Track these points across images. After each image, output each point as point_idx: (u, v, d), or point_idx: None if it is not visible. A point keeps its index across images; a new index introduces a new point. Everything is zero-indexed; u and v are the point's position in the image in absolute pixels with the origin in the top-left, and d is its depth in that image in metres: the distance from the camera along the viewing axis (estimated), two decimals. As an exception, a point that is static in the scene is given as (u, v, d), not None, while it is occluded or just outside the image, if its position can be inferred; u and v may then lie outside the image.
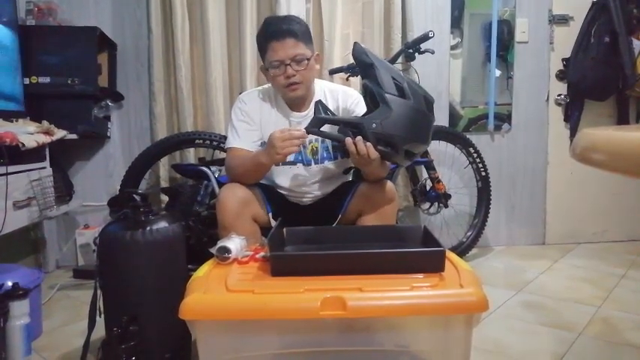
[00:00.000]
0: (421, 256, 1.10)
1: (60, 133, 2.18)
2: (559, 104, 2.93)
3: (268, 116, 1.69)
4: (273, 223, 1.63)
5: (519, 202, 2.97)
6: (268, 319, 0.95)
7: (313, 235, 1.36)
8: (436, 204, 2.57)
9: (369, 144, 1.39)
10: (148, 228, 1.31)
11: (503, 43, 2.86)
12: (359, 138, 1.40)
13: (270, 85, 1.74)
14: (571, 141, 2.94)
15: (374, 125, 1.39)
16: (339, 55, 2.66)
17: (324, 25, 2.59)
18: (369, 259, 1.07)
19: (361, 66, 1.49)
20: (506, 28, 2.87)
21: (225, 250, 1.20)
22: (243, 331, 0.99)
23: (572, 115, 2.91)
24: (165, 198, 2.53)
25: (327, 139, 1.66)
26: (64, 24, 2.48)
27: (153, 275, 1.32)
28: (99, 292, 1.36)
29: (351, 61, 2.63)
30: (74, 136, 2.33)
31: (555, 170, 2.96)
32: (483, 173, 2.67)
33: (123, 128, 2.68)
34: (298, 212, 1.73)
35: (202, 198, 1.96)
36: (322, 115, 1.49)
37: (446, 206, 2.55)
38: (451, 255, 1.14)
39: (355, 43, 1.51)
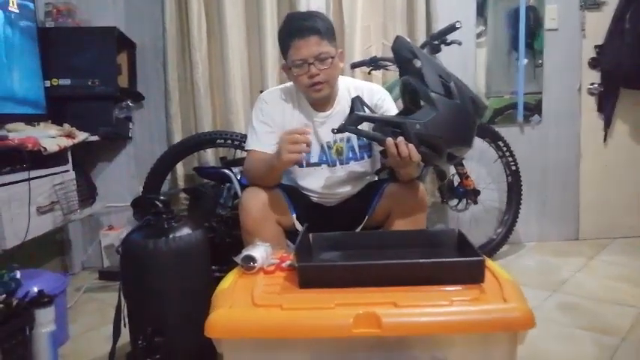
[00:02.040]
0: (459, 266, 1.03)
1: (82, 136, 2.17)
2: (592, 94, 2.80)
3: (290, 117, 1.64)
4: (298, 225, 1.58)
5: (551, 197, 2.86)
6: (298, 338, 0.90)
7: (341, 240, 1.30)
8: (464, 200, 2.48)
9: (411, 146, 1.32)
10: (171, 236, 1.28)
11: (529, 30, 2.73)
12: (400, 139, 1.32)
13: (290, 83, 1.68)
14: (605, 132, 2.85)
15: (417, 126, 1.32)
16: (360, 48, 2.58)
17: (344, 18, 2.51)
18: (403, 269, 1.01)
19: (402, 61, 1.42)
20: (533, 15, 2.74)
21: (251, 259, 1.15)
22: (272, 348, 0.94)
23: (607, 104, 2.78)
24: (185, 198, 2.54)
25: (353, 139, 1.59)
26: (82, 24, 2.47)
27: (177, 285, 1.28)
28: (123, 301, 1.33)
29: (374, 54, 2.60)
30: (96, 138, 2.32)
31: (588, 163, 2.84)
32: (514, 167, 2.57)
33: (144, 128, 2.66)
34: (323, 214, 1.68)
35: (225, 200, 1.92)
36: (360, 112, 1.41)
37: (475, 203, 2.46)
38: (490, 263, 1.07)
39: (398, 36, 1.44)
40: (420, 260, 1.03)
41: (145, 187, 2.26)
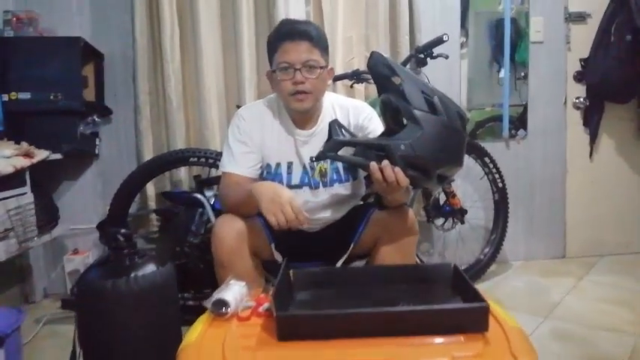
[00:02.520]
0: (460, 313, 0.91)
1: (42, 154, 2.00)
2: (577, 108, 2.74)
3: (270, 134, 1.51)
4: (277, 256, 1.45)
5: (538, 214, 2.78)
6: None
7: (325, 277, 1.18)
8: (451, 219, 2.39)
9: (397, 169, 1.21)
10: (133, 274, 1.13)
11: (511, 42, 2.66)
12: (385, 162, 1.21)
13: (272, 97, 1.55)
14: (591, 147, 2.80)
15: (402, 147, 1.20)
16: (342, 60, 2.47)
17: (325, 28, 2.40)
18: (396, 318, 0.89)
19: (380, 78, 1.31)
20: (514, 27, 2.68)
21: (223, 304, 1.02)
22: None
23: (592, 118, 2.73)
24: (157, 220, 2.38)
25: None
26: (45, 34, 2.30)
27: (140, 331, 1.14)
28: (78, 349, 1.18)
29: (356, 67, 2.50)
30: (58, 156, 2.15)
31: (575, 178, 2.78)
32: (500, 185, 2.49)
33: (112, 145, 2.49)
34: (305, 241, 1.55)
35: (197, 227, 1.78)
36: (340, 136, 1.29)
37: (462, 222, 2.37)
38: (493, 307, 0.96)
39: (373, 52, 1.32)
40: (416, 308, 0.91)
41: (110, 208, 2.09)
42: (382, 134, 1.38)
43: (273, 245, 1.44)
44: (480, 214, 2.63)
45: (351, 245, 1.45)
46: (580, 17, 2.67)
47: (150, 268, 1.17)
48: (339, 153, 1.29)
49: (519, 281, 2.48)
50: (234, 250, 1.33)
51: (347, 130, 1.34)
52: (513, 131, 2.72)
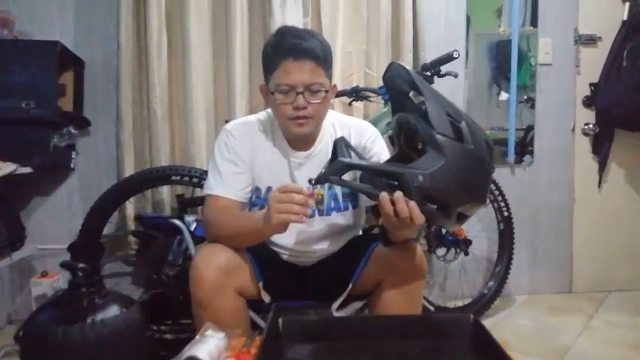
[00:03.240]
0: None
1: (7, 168, 1.82)
2: (586, 134, 2.61)
3: (262, 155, 1.34)
4: (265, 296, 1.26)
5: (543, 245, 2.63)
6: None
7: (321, 327, 0.99)
8: (453, 250, 2.22)
9: (412, 203, 1.03)
10: (90, 320, 0.94)
11: (510, 63, 2.53)
12: (399, 194, 1.03)
13: (265, 112, 1.38)
14: (600, 175, 2.65)
15: (420, 177, 1.02)
16: (340, 76, 2.32)
17: (324, 43, 2.25)
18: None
19: (397, 94, 1.14)
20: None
21: (197, 363, 0.83)
22: None
23: (602, 146, 2.59)
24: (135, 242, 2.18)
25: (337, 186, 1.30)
26: (22, 37, 2.12)
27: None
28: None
29: (355, 83, 2.35)
30: (28, 170, 1.95)
31: (583, 208, 2.63)
32: (506, 213, 2.33)
33: (90, 159, 2.30)
34: (298, 277, 1.37)
35: (174, 257, 1.59)
36: (346, 158, 1.11)
37: (466, 254, 2.20)
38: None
39: (392, 63, 1.16)
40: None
41: (82, 229, 1.90)
42: (392, 160, 1.20)
43: (261, 284, 1.25)
44: (484, 244, 2.46)
45: (350, 285, 1.27)
46: (590, 40, 2.55)
47: (112, 311, 0.98)
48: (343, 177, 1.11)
49: (526, 319, 2.31)
50: (215, 289, 1.15)
51: (355, 151, 1.17)
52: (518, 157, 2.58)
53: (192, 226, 1.65)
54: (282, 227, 1.08)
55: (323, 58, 1.24)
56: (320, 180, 1.09)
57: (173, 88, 2.23)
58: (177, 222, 1.64)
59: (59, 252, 2.24)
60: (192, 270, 1.17)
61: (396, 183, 1.04)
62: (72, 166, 2.25)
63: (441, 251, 2.22)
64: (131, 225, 2.17)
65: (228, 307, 1.16)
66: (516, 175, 2.59)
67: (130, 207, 2.16)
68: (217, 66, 2.26)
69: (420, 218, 1.03)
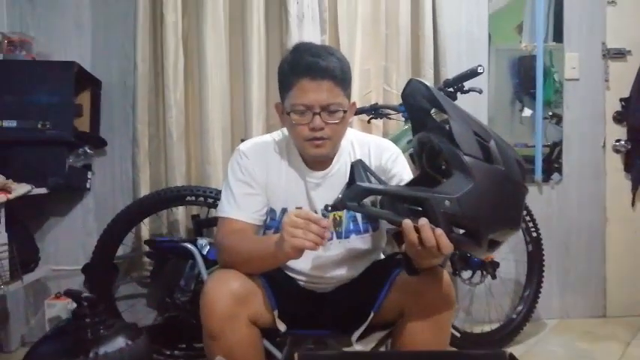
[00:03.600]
0: None
1: (21, 189, 1.80)
2: (617, 151, 2.50)
3: (277, 175, 1.28)
4: (280, 325, 1.19)
5: (574, 267, 2.50)
6: None
7: (340, 364, 0.91)
8: (480, 273, 2.11)
9: (439, 231, 0.94)
10: (93, 353, 0.88)
11: (533, 79, 2.48)
12: (424, 221, 0.95)
13: (281, 131, 1.33)
14: (633, 194, 2.53)
15: (447, 203, 0.94)
16: (359, 93, 2.27)
17: (341, 60, 2.20)
18: None
19: (417, 111, 1.08)
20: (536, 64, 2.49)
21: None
22: None
23: (634, 163, 2.48)
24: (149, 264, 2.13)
25: None
26: (40, 59, 2.13)
27: None
28: None
29: (374, 101, 2.29)
30: (43, 190, 1.94)
31: (615, 228, 2.50)
32: (534, 234, 2.22)
33: (106, 179, 2.28)
34: (315, 305, 1.29)
35: (186, 282, 1.53)
36: (365, 182, 1.04)
37: (493, 277, 2.09)
38: None
39: (412, 79, 1.09)
40: None
41: (95, 251, 1.86)
42: (414, 182, 1.12)
43: (276, 312, 1.18)
44: (511, 266, 2.35)
45: (371, 314, 1.19)
46: (619, 54, 2.47)
47: (118, 343, 0.92)
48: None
49: (557, 345, 2.18)
50: (227, 318, 1.08)
51: (374, 174, 1.09)
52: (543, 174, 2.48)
53: (205, 250, 1.59)
54: (297, 253, 1.01)
55: (341, 77, 1.18)
56: (337, 207, 1.01)
57: (189, 108, 2.21)
58: (189, 246, 1.59)
59: (74, 273, 2.22)
60: (202, 297, 1.11)
61: (420, 209, 0.97)
62: (88, 186, 2.23)
63: (466, 274, 2.11)
64: (146, 247, 2.13)
65: (241, 338, 1.09)
66: (544, 193, 2.48)
67: (145, 228, 2.13)
68: (234, 85, 2.23)
69: (448, 247, 0.94)
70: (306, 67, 1.16)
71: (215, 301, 1.08)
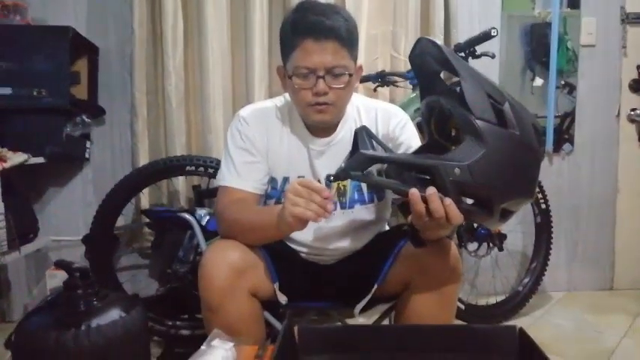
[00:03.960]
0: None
1: (18, 158, 1.75)
2: (632, 121, 2.41)
3: (279, 142, 1.22)
4: (281, 297, 1.15)
5: (583, 239, 2.45)
6: None
7: (342, 337, 0.88)
8: (486, 245, 2.07)
9: (448, 201, 0.88)
10: (85, 325, 0.84)
11: (546, 48, 2.38)
12: (432, 190, 0.89)
13: (283, 96, 1.27)
14: (647, 164, 2.46)
15: (457, 171, 0.88)
16: (365, 60, 2.17)
17: (346, 25, 2.11)
18: None
19: (426, 74, 1.01)
20: (550, 32, 2.38)
21: (199, 380, 0.72)
22: None
23: (649, 133, 2.40)
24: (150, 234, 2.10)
25: None
26: (36, 24, 2.05)
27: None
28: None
29: (381, 68, 2.21)
30: (41, 160, 1.89)
31: (627, 200, 2.44)
32: (543, 206, 2.17)
33: (105, 148, 2.22)
34: (318, 277, 1.26)
35: (185, 253, 1.49)
36: (369, 150, 0.98)
37: (500, 249, 2.05)
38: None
39: (421, 38, 1.01)
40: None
41: (94, 222, 1.82)
42: (422, 150, 1.06)
43: (276, 284, 1.14)
44: (519, 238, 2.30)
45: (375, 286, 1.15)
46: (638, 19, 2.34)
47: (111, 315, 0.88)
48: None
49: (564, 318, 2.15)
50: (226, 291, 1.04)
51: (379, 142, 1.03)
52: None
53: (205, 220, 1.55)
54: (299, 224, 0.96)
55: (347, 38, 1.11)
56: (340, 176, 0.95)
57: (189, 74, 2.13)
58: (186, 216, 1.54)
59: (75, 243, 2.19)
60: (200, 269, 1.07)
61: (428, 177, 0.91)
62: (87, 155, 2.18)
63: (472, 246, 2.07)
64: (145, 217, 2.09)
65: (241, 311, 1.06)
66: (554, 164, 2.41)
67: (145, 198, 2.09)
68: (235, 51, 2.15)
69: (457, 218, 0.89)
70: (310, 26, 1.09)
71: (213, 273, 1.05)
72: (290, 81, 1.14)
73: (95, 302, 0.89)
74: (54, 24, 2.08)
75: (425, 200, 0.89)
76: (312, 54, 1.09)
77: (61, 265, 0.90)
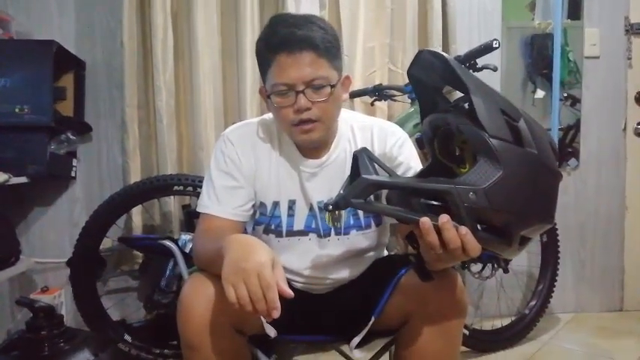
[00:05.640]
0: None
1: (-3, 178, 1.66)
2: (639, 134, 2.33)
3: (267, 164, 1.14)
4: (270, 330, 1.06)
5: (590, 258, 2.37)
6: None
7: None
8: (490, 266, 1.97)
9: (464, 230, 0.79)
10: (47, 373, 0.75)
11: (548, 59, 2.32)
12: (445, 218, 0.80)
13: (270, 116, 1.19)
14: (656, 180, 2.38)
15: (472, 195, 0.79)
16: (362, 73, 2.12)
17: (343, 37, 2.04)
18: None
19: (427, 90, 0.93)
20: (551, 43, 2.33)
21: None
22: None
23: (657, 147, 2.32)
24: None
25: None
26: (20, 38, 1.98)
27: None
28: None
29: (378, 81, 2.13)
30: (23, 180, 1.80)
31: (635, 217, 2.36)
32: (549, 224, 2.07)
33: (92, 166, 2.14)
34: (311, 307, 1.16)
35: (167, 283, 1.40)
36: (372, 175, 0.88)
37: (505, 270, 1.95)
38: None
39: (422, 50, 0.91)
40: None
41: (77, 244, 1.74)
42: (425, 173, 0.97)
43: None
44: (524, 257, 2.21)
45: (372, 319, 1.05)
46: (643, 29, 2.28)
47: (80, 358, 0.78)
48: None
49: (573, 342, 2.05)
50: (207, 326, 0.95)
51: (381, 165, 0.94)
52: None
53: (189, 247, 1.46)
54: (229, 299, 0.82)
55: (324, 47, 1.02)
56: (340, 205, 0.85)
57: (180, 90, 2.07)
58: (167, 243, 1.45)
59: (60, 266, 2.10)
60: (179, 303, 0.98)
61: (438, 203, 0.81)
62: (73, 174, 2.09)
63: (476, 267, 1.98)
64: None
65: (223, 348, 0.96)
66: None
67: (138, 218, 2.00)
68: (227, 66, 2.09)
69: (476, 249, 0.80)
70: (282, 40, 1.01)
71: (192, 308, 0.95)
72: (269, 100, 1.06)
73: (62, 344, 0.80)
74: (39, 38, 2.02)
75: (437, 230, 0.80)
76: (288, 69, 1.01)
77: (23, 303, 0.81)
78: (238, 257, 0.83)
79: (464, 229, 0.79)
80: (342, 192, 0.86)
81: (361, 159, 0.90)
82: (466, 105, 0.85)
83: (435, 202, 0.82)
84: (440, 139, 0.93)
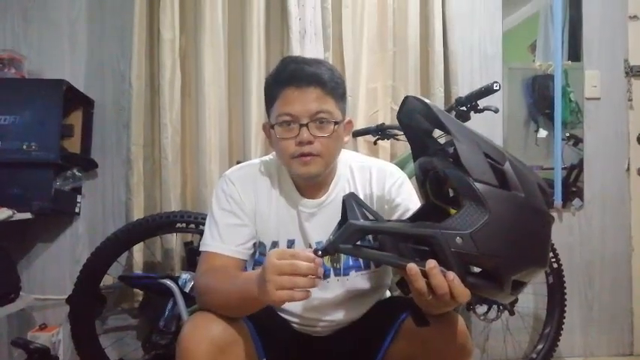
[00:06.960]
0: None
1: (2, 214, 1.68)
2: (643, 175, 2.33)
3: (267, 203, 1.14)
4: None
5: (597, 301, 2.31)
6: None
7: None
8: (496, 307, 1.94)
9: (452, 275, 0.79)
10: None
11: (548, 99, 2.35)
12: (432, 264, 0.79)
13: (270, 157, 1.20)
14: (662, 221, 2.35)
15: (458, 240, 0.78)
16: (365, 113, 2.15)
17: (346, 78, 2.07)
18: None
19: (416, 133, 0.94)
20: (552, 84, 2.35)
21: None
22: None
23: (662, 188, 2.30)
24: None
25: None
26: (32, 77, 2.04)
27: None
28: None
29: (381, 121, 2.16)
30: (27, 215, 1.82)
31: (642, 258, 2.31)
32: (555, 265, 2.05)
33: (96, 203, 2.15)
34: (310, 350, 1.14)
35: (166, 323, 1.38)
36: (359, 220, 0.88)
37: (511, 313, 1.92)
38: None
39: (408, 97, 0.93)
40: None
41: (77, 282, 1.73)
42: (419, 214, 0.97)
43: (264, 361, 1.03)
44: (530, 300, 2.17)
45: (374, 364, 1.03)
46: (642, 72, 2.31)
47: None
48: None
49: (582, 389, 1.98)
50: (206, 371, 0.93)
51: (369, 210, 0.94)
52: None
53: (189, 286, 1.45)
54: (278, 302, 0.85)
55: (331, 84, 1.05)
56: (328, 250, 0.85)
57: (186, 128, 2.10)
58: (167, 282, 1.44)
59: (60, 302, 2.08)
60: (178, 345, 0.96)
61: (427, 248, 0.81)
62: (77, 210, 2.10)
63: (481, 309, 1.95)
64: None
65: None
66: (564, 220, 2.31)
67: (139, 254, 2.00)
68: (232, 105, 2.13)
69: (463, 294, 0.79)
70: (291, 74, 1.05)
71: (191, 352, 0.93)
72: (272, 132, 1.08)
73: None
74: (50, 77, 2.07)
75: (425, 275, 0.79)
76: (294, 101, 1.04)
77: (18, 344, 0.80)
78: (260, 275, 0.85)
79: (451, 275, 0.78)
80: (331, 237, 0.86)
81: (349, 204, 0.91)
82: (451, 149, 0.85)
83: (423, 247, 0.81)
84: (431, 181, 0.94)
